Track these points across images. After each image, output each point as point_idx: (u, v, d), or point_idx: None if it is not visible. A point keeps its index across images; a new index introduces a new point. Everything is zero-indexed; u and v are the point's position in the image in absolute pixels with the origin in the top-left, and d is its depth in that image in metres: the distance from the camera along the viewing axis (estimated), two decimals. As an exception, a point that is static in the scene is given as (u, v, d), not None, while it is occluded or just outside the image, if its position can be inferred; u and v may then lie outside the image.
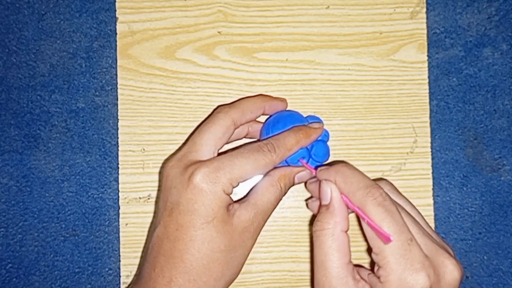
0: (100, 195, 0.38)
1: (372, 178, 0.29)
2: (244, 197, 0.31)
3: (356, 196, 0.27)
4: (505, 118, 0.39)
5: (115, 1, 0.38)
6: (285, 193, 0.32)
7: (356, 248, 0.37)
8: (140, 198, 0.37)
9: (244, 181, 0.29)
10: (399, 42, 0.38)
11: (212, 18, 0.38)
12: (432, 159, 0.38)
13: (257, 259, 0.37)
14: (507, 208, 0.38)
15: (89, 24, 0.38)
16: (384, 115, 0.38)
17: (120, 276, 0.37)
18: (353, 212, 0.28)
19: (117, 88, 0.38)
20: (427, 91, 0.38)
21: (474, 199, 0.38)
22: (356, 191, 0.27)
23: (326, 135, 0.34)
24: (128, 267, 0.37)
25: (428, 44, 0.38)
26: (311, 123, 0.33)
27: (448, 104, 0.39)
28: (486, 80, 0.39)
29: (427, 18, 0.38)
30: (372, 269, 0.28)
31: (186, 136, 0.38)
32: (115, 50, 0.38)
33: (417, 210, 0.30)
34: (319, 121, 0.34)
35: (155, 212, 0.37)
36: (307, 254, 0.37)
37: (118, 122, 0.37)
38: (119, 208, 0.37)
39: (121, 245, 0.37)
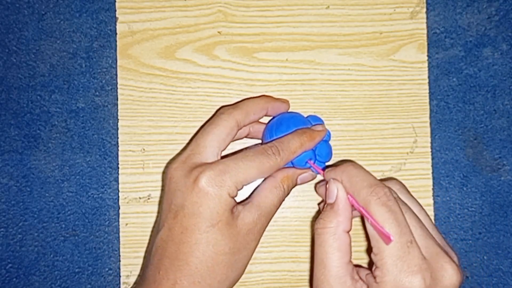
0: (100, 195, 0.38)
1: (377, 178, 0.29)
2: (247, 198, 0.31)
3: (360, 195, 0.27)
4: (505, 118, 0.39)
5: (115, 1, 0.38)
6: (288, 194, 0.32)
7: (355, 248, 0.37)
8: (140, 198, 0.37)
9: (248, 184, 0.29)
10: (399, 42, 0.38)
11: (212, 18, 0.38)
12: (432, 159, 0.38)
13: (258, 259, 0.37)
14: (507, 208, 0.38)
15: (89, 24, 0.38)
16: (384, 115, 0.38)
17: (120, 276, 0.37)
18: (359, 215, 0.28)
19: (117, 88, 0.38)
20: (427, 91, 0.38)
21: (474, 199, 0.38)
22: (361, 190, 0.27)
23: (328, 134, 0.34)
24: (128, 267, 0.37)
25: (428, 44, 0.38)
26: (314, 125, 0.33)
27: (448, 104, 0.39)
28: (486, 80, 0.39)
29: (427, 18, 0.38)
30: (370, 269, 0.28)
31: (186, 136, 0.38)
32: (115, 50, 0.38)
33: (425, 211, 0.30)
34: (320, 121, 0.34)
35: (157, 213, 0.37)
36: (307, 254, 0.37)
37: (118, 122, 0.37)
38: (119, 208, 0.37)
39: (121, 245, 0.37)
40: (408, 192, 0.31)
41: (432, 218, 0.38)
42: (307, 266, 0.37)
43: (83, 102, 0.38)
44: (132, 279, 0.37)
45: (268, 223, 0.31)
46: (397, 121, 0.38)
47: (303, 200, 0.38)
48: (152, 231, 0.37)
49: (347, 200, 0.28)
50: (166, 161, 0.37)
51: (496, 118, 0.39)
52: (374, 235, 0.27)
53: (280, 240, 0.37)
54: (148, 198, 0.37)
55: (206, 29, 0.38)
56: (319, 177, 0.34)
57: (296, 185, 0.32)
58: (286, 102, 0.36)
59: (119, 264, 0.37)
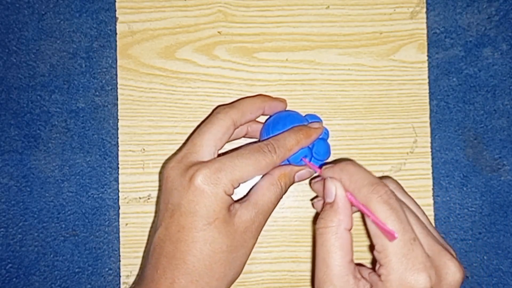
0: (100, 195, 0.38)
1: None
2: (245, 196, 0.31)
3: (361, 193, 0.27)
4: (505, 118, 0.39)
5: (115, 1, 0.38)
6: (286, 191, 0.32)
7: (357, 247, 0.37)
8: (140, 198, 0.37)
9: (245, 182, 0.29)
10: (399, 42, 0.38)
11: (212, 18, 0.38)
12: (432, 159, 0.38)
13: (257, 259, 0.37)
14: (507, 208, 0.38)
15: (89, 24, 0.38)
16: (384, 115, 0.38)
17: (120, 276, 0.37)
18: (358, 211, 0.28)
19: (117, 88, 0.38)
20: (427, 91, 0.38)
21: (474, 199, 0.38)
22: (361, 188, 0.27)
23: (326, 133, 0.34)
24: (128, 267, 0.37)
25: (428, 44, 0.38)
26: (310, 122, 0.33)
27: (448, 104, 0.39)
28: (486, 80, 0.39)
29: (427, 18, 0.38)
30: (373, 268, 0.28)
31: (186, 136, 0.38)
32: (115, 50, 0.38)
33: (421, 209, 0.30)
34: (318, 120, 0.34)
35: (155, 212, 0.37)
36: (307, 254, 0.37)
37: (118, 122, 0.37)
38: (119, 208, 0.37)
39: (121, 245, 0.37)
40: (405, 191, 0.31)
41: (432, 218, 0.38)
42: (307, 266, 0.37)
43: (83, 102, 0.38)
44: (132, 279, 0.37)
45: (265, 221, 0.31)
46: (397, 121, 0.38)
47: (303, 200, 0.38)
48: (150, 231, 0.37)
49: (346, 198, 0.28)
50: (166, 161, 0.37)
51: (496, 118, 0.39)
52: (376, 233, 0.27)
53: (280, 240, 0.37)
54: (148, 198, 0.37)
55: (206, 29, 0.38)
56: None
57: (293, 182, 0.32)
58: (283, 101, 0.36)
59: (119, 264, 0.37)
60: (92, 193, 0.38)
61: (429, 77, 0.38)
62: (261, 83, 0.38)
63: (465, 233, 0.38)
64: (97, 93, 0.38)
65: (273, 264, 0.37)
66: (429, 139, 0.38)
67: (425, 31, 0.38)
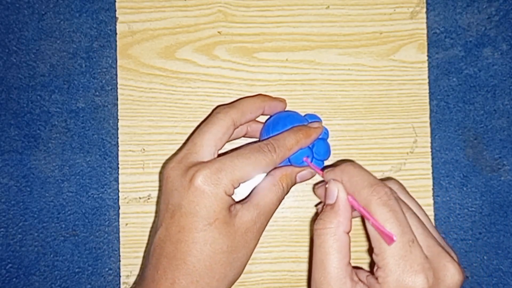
0: (100, 195, 0.38)
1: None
2: (246, 197, 0.31)
3: (361, 195, 0.27)
4: (505, 118, 0.39)
5: (115, 1, 0.38)
6: (287, 192, 0.32)
7: (355, 249, 0.37)
8: (140, 198, 0.37)
9: (245, 182, 0.29)
10: (399, 42, 0.38)
11: (212, 18, 0.38)
12: (432, 159, 0.38)
13: (257, 259, 0.37)
14: (507, 208, 0.38)
15: (89, 24, 0.38)
16: (384, 115, 0.38)
17: (120, 276, 0.37)
18: (358, 216, 0.28)
19: (117, 88, 0.38)
20: (427, 91, 0.38)
21: (474, 199, 0.38)
22: (361, 190, 0.27)
23: (325, 132, 0.34)
24: (128, 267, 0.37)
25: (428, 44, 0.38)
26: (310, 122, 0.33)
27: (448, 104, 0.39)
28: (486, 80, 0.39)
29: (427, 18, 0.38)
30: (371, 270, 0.28)
31: (186, 136, 0.38)
32: (115, 50, 0.38)
33: (423, 210, 0.30)
34: (318, 119, 0.34)
35: (155, 212, 0.37)
36: (307, 254, 0.37)
37: (118, 122, 0.37)
38: (119, 208, 0.37)
39: (121, 245, 0.37)
40: (407, 192, 0.31)
41: (432, 218, 0.38)
42: (307, 266, 0.37)
43: (83, 102, 0.38)
44: (132, 279, 0.37)
45: (267, 222, 0.31)
46: (397, 121, 0.38)
47: (303, 200, 0.38)
48: (150, 231, 0.37)
49: (347, 200, 0.28)
50: (166, 161, 0.37)
51: (496, 118, 0.39)
52: (375, 236, 0.26)
53: (280, 240, 0.37)
54: (148, 198, 0.37)
55: (206, 29, 0.38)
56: (318, 176, 0.33)
57: (295, 183, 0.32)
58: (283, 101, 0.36)
59: (119, 264, 0.37)
60: (92, 193, 0.38)
61: (429, 77, 0.38)
62: (261, 83, 0.38)
63: (465, 233, 0.38)
64: (97, 93, 0.38)
65: (273, 264, 0.37)
66: (429, 139, 0.38)
67: (425, 31, 0.38)
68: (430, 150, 0.38)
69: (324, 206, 0.29)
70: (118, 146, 0.37)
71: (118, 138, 0.37)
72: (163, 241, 0.29)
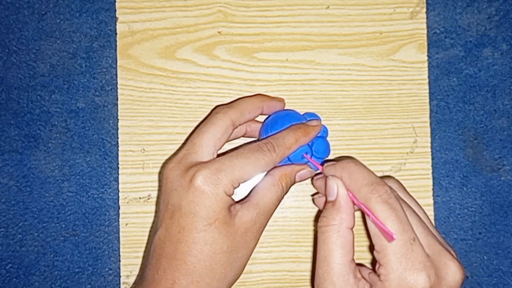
0: (100, 195, 0.38)
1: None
2: (246, 197, 0.31)
3: (361, 193, 0.27)
4: (505, 118, 0.39)
5: (115, 1, 0.38)
6: (287, 192, 0.32)
7: (357, 247, 0.37)
8: (140, 198, 0.37)
9: (245, 181, 0.29)
10: (399, 42, 0.38)
11: (212, 18, 0.38)
12: (432, 159, 0.38)
13: (257, 259, 0.37)
14: (507, 208, 0.38)
15: (89, 24, 0.38)
16: (384, 115, 0.38)
17: (120, 276, 0.37)
18: (359, 209, 0.28)
19: (117, 88, 0.38)
20: (427, 91, 0.38)
21: (474, 199, 0.38)
22: (361, 188, 0.27)
23: (325, 131, 0.34)
24: (128, 267, 0.37)
25: (428, 44, 0.38)
26: (309, 120, 0.33)
27: (448, 104, 0.39)
28: (486, 80, 0.39)
29: (427, 18, 0.38)
30: (373, 268, 0.28)
31: (186, 136, 0.38)
32: (115, 50, 0.38)
33: (422, 209, 0.30)
34: (316, 118, 0.34)
35: (155, 212, 0.37)
36: (307, 254, 0.37)
37: (118, 122, 0.37)
38: (119, 208, 0.37)
39: (121, 245, 0.37)
40: (406, 191, 0.31)
41: (432, 218, 0.38)
42: (307, 266, 0.37)
43: (83, 102, 0.38)
44: (132, 279, 0.37)
45: (267, 221, 0.31)
46: (397, 121, 0.38)
47: (303, 200, 0.38)
48: (150, 231, 0.37)
49: (348, 196, 0.28)
50: (166, 161, 0.37)
51: (496, 118, 0.39)
52: (376, 233, 0.26)
53: (280, 240, 0.37)
54: (148, 198, 0.37)
55: (206, 29, 0.38)
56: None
57: (294, 182, 0.32)
58: (281, 100, 0.36)
59: (119, 264, 0.37)
60: (92, 193, 0.38)
61: (429, 77, 0.38)
62: (261, 83, 0.38)
63: (465, 233, 0.38)
64: (97, 93, 0.38)
65: (273, 264, 0.37)
66: (429, 139, 0.38)
67: (425, 31, 0.38)
68: (430, 150, 0.38)
69: (325, 203, 0.29)
70: (118, 146, 0.37)
71: (118, 138, 0.37)
72: (163, 241, 0.29)
